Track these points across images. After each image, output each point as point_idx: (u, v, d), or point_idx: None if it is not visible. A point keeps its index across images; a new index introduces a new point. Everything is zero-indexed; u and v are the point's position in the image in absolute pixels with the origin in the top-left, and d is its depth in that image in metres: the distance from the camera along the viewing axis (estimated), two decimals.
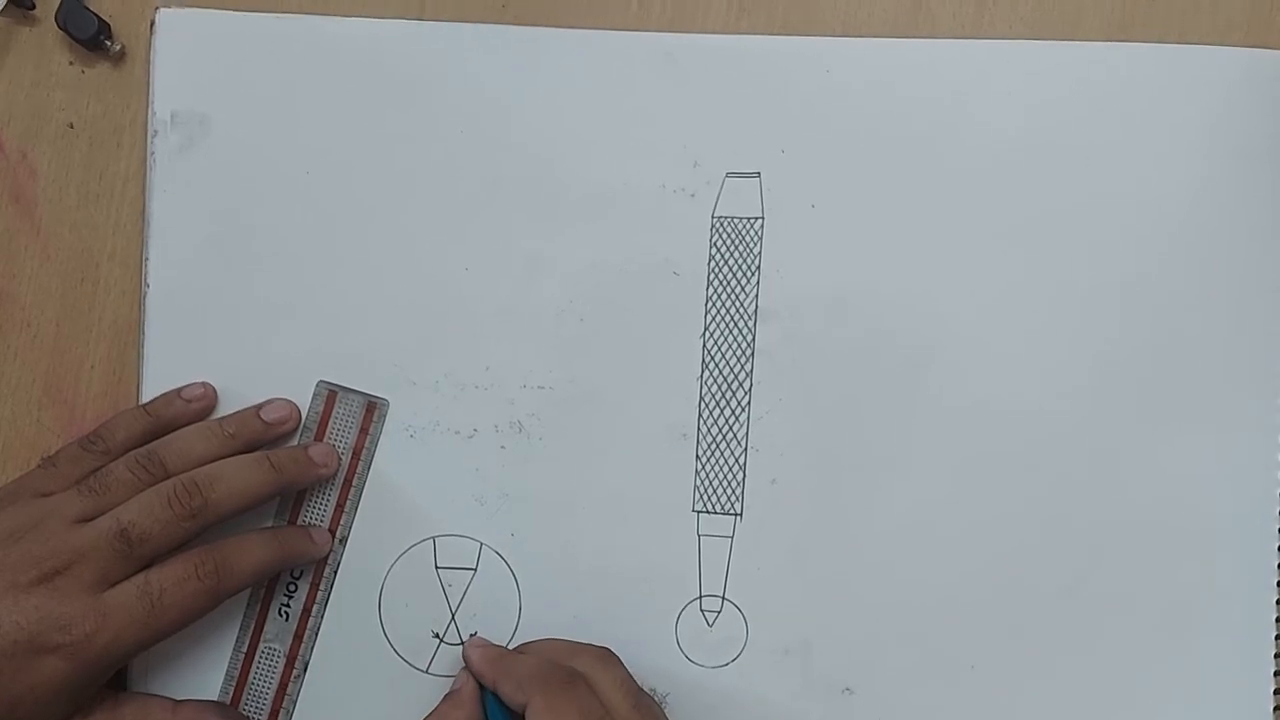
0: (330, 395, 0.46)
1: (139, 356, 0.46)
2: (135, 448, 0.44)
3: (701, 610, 0.46)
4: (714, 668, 0.45)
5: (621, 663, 0.43)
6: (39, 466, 0.43)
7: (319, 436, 0.46)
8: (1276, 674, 0.45)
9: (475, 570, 0.46)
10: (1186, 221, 0.46)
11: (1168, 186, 0.46)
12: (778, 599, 0.45)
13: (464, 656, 0.44)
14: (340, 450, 0.46)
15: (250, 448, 0.44)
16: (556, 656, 0.43)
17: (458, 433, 0.46)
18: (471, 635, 0.46)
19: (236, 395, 0.46)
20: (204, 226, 0.46)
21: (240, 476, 0.43)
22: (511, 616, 0.46)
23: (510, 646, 0.45)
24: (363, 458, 0.46)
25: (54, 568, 0.40)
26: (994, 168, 0.46)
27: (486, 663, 0.43)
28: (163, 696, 0.44)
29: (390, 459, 0.46)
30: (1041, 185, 0.46)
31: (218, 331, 0.46)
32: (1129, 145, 0.46)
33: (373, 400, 0.46)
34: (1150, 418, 0.46)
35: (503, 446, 0.46)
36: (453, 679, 0.45)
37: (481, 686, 0.43)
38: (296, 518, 0.46)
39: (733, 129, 0.46)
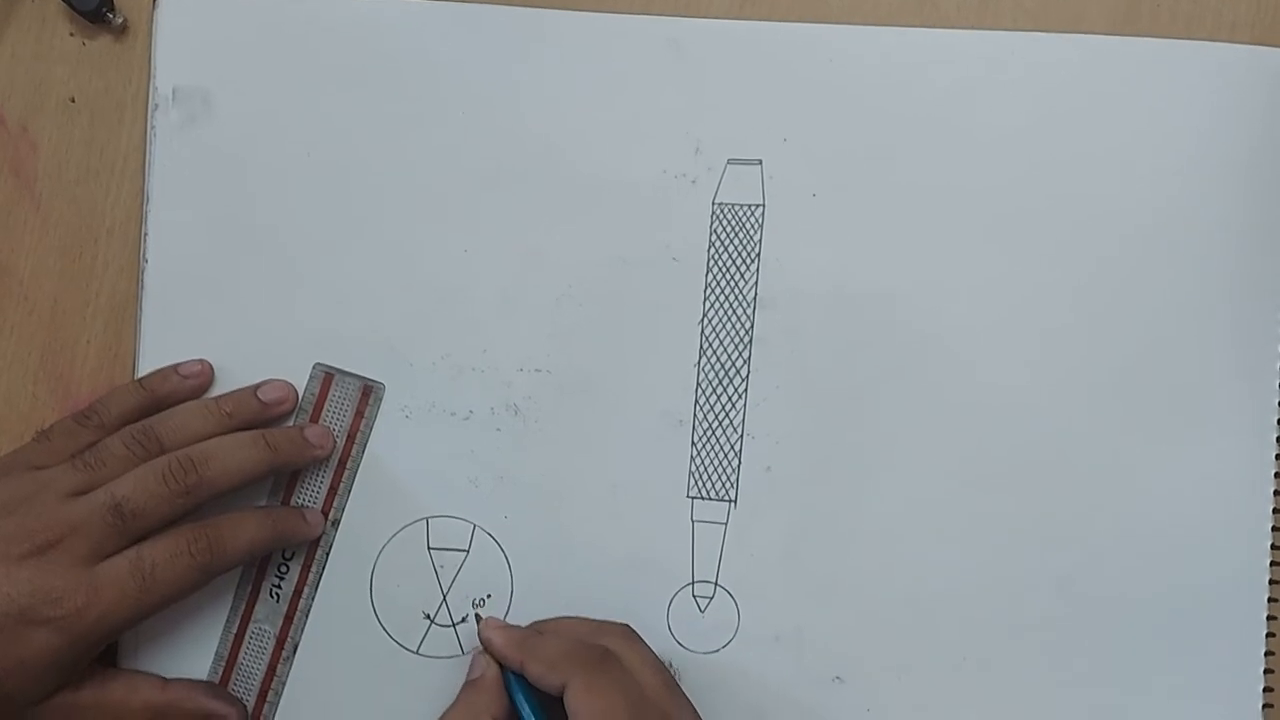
0: (327, 377, 0.46)
1: (136, 333, 0.46)
2: (130, 423, 0.44)
3: (694, 596, 0.45)
4: (705, 653, 0.45)
5: (643, 640, 0.43)
6: (33, 440, 0.43)
7: (314, 418, 0.46)
8: (1266, 672, 0.45)
9: (468, 552, 0.46)
10: (1187, 218, 0.46)
11: (1169, 182, 0.46)
12: (770, 586, 0.45)
13: (483, 639, 0.43)
14: (335, 432, 0.46)
15: (246, 427, 0.44)
16: (581, 635, 0.42)
17: (453, 414, 0.46)
18: (477, 613, 0.45)
19: (233, 373, 0.46)
20: (204, 203, 0.46)
21: (236, 455, 0.42)
22: (503, 599, 0.46)
23: None
24: (357, 440, 0.46)
25: (46, 541, 0.40)
26: (996, 160, 0.46)
27: (511, 645, 0.42)
28: (152, 674, 0.44)
29: (386, 440, 0.46)
30: (1043, 178, 0.46)
31: (215, 309, 0.46)
32: (1132, 140, 0.46)
33: (369, 383, 0.46)
34: (1146, 417, 0.46)
35: (498, 429, 0.46)
36: (469, 667, 0.43)
37: (503, 670, 0.42)
38: (290, 499, 0.45)
39: (735, 115, 0.46)
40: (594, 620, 0.44)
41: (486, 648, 0.43)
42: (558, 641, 0.42)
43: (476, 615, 0.45)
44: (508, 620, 0.45)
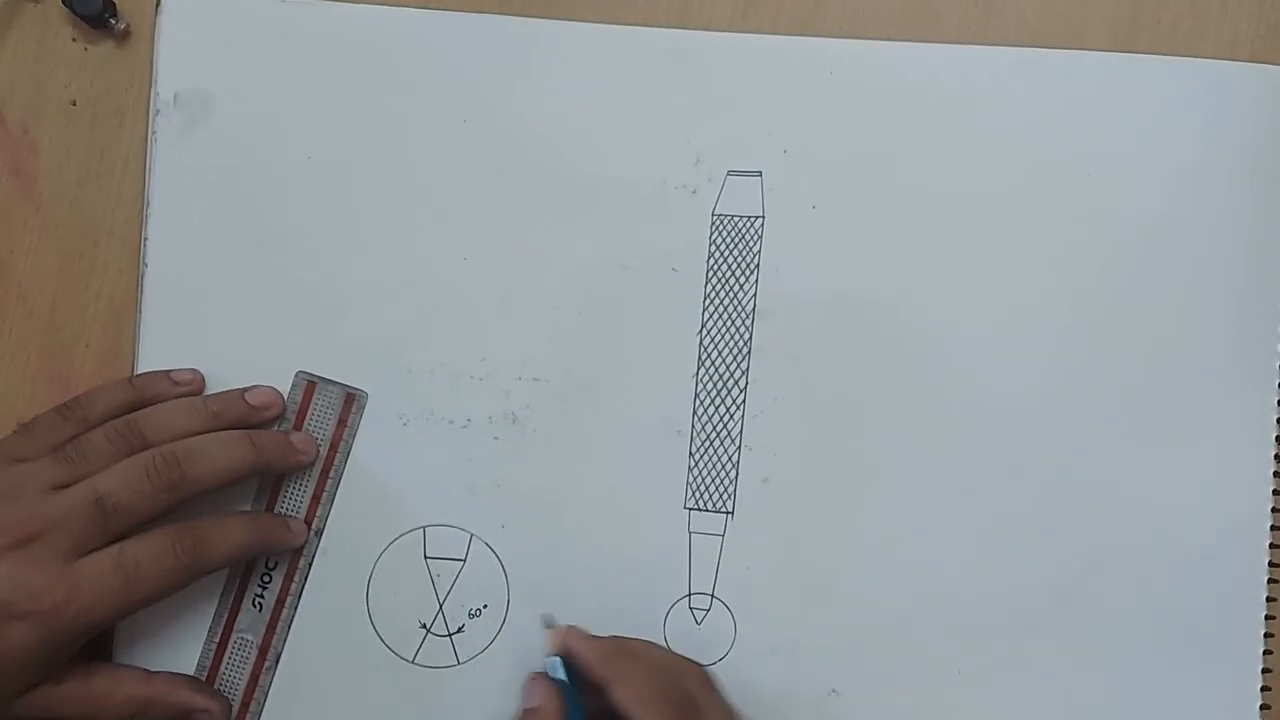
0: (309, 386, 0.46)
1: (135, 336, 0.46)
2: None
3: (690, 608, 0.45)
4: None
5: (720, 686, 0.42)
6: (14, 432, 0.43)
7: (297, 426, 0.45)
8: (1264, 687, 0.45)
9: (464, 561, 0.45)
10: (1185, 232, 0.46)
11: (1167, 197, 0.46)
12: (767, 599, 0.45)
13: (569, 648, 0.42)
14: (319, 441, 0.45)
15: (232, 429, 0.44)
16: (662, 667, 0.41)
17: (451, 422, 0.46)
18: (549, 623, 0.44)
19: (231, 377, 0.45)
20: (204, 208, 0.46)
21: (221, 453, 0.42)
22: (500, 608, 0.45)
23: (498, 639, 0.45)
24: (340, 450, 0.45)
25: (26, 534, 0.39)
26: (995, 173, 0.46)
27: (601, 661, 0.41)
28: (136, 667, 0.43)
29: (382, 447, 0.46)
30: (1041, 192, 0.46)
31: (215, 313, 0.46)
32: (1130, 155, 0.46)
33: (351, 392, 0.46)
34: (1145, 425, 0.46)
35: (496, 438, 0.46)
36: (525, 693, 0.42)
37: (559, 684, 0.41)
38: (274, 506, 0.45)
39: (735, 127, 0.46)
40: (672, 652, 0.43)
41: (574, 656, 0.42)
42: (648, 672, 0.41)
43: (548, 624, 0.44)
44: (505, 628, 0.45)
